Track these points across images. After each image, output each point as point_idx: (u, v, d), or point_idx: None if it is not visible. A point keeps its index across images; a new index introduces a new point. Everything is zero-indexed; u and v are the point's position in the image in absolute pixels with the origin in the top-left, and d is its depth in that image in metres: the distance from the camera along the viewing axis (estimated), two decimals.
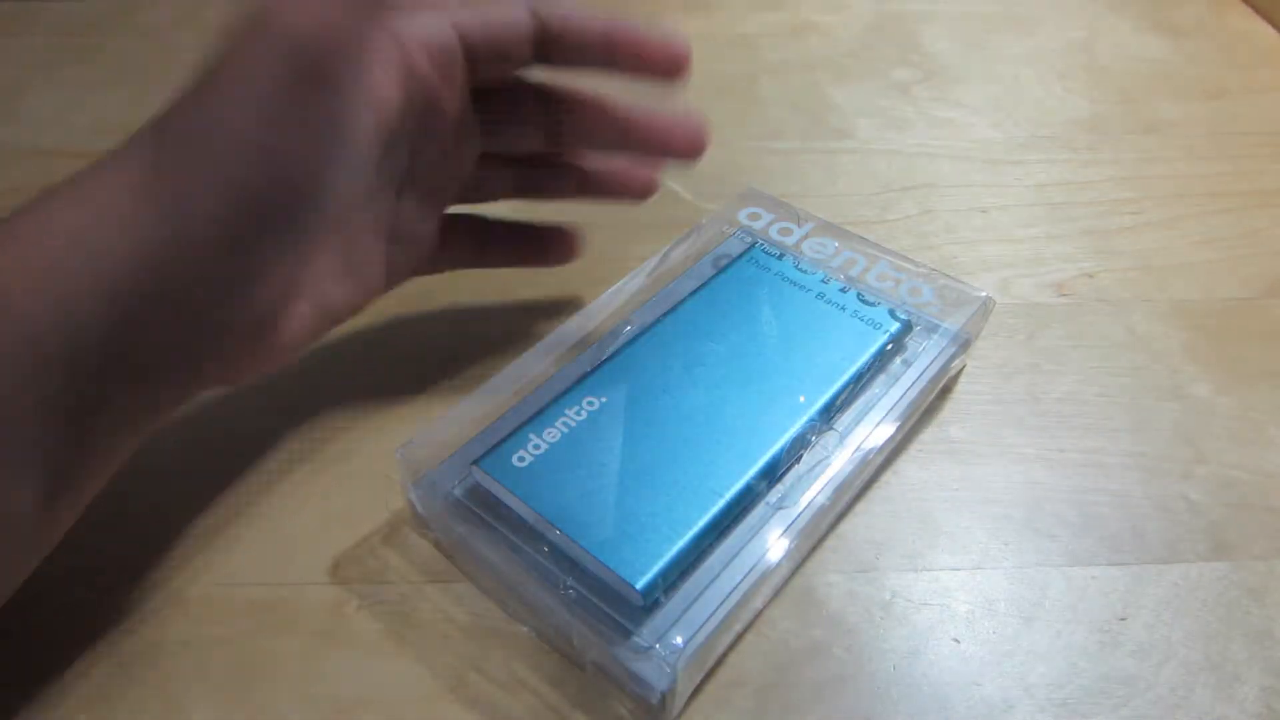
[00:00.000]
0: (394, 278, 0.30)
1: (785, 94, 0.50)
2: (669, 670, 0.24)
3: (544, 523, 0.26)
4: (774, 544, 0.27)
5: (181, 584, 0.28)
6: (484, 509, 0.28)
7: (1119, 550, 0.30)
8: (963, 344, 0.33)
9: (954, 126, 0.48)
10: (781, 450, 0.29)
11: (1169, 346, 0.36)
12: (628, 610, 0.25)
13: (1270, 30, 0.57)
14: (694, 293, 0.34)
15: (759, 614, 0.28)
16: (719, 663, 0.27)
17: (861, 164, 0.46)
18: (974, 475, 0.32)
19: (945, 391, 0.34)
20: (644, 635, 0.25)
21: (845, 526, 0.30)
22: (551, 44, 0.28)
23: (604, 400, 0.30)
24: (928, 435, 0.33)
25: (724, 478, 0.27)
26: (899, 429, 0.31)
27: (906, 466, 0.32)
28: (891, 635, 0.27)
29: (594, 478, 0.27)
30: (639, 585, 0.25)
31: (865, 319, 0.33)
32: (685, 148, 0.30)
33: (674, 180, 0.43)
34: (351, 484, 0.31)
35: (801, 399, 0.30)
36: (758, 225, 0.37)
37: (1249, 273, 0.40)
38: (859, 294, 0.34)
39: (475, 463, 0.28)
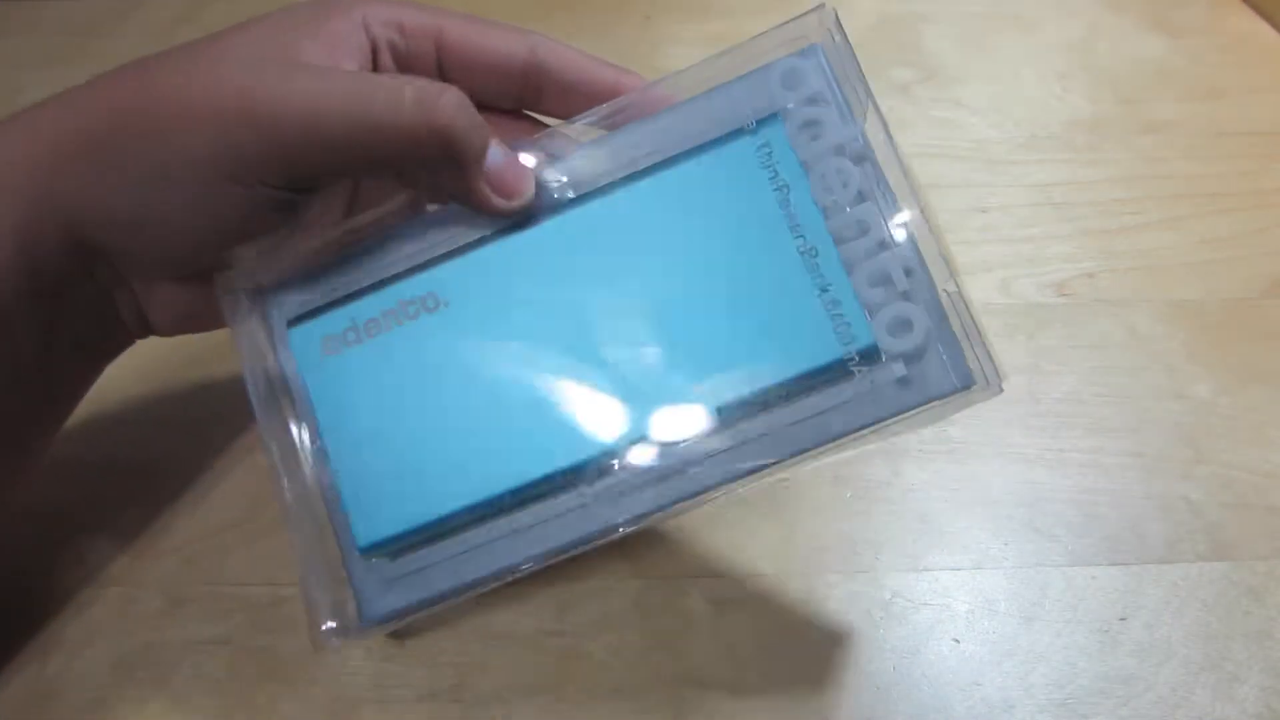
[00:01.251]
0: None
1: None
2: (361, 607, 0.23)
3: (313, 419, 0.24)
4: (553, 541, 0.23)
5: (181, 584, 0.28)
6: (289, 370, 0.24)
7: (1119, 550, 0.30)
8: (928, 407, 0.23)
9: (954, 126, 0.48)
10: (618, 444, 0.23)
11: (1169, 346, 0.36)
12: (352, 548, 0.23)
13: (1270, 30, 0.57)
14: (655, 169, 0.24)
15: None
16: (719, 663, 0.27)
17: None
18: (974, 475, 0.32)
19: None
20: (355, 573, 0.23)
21: (845, 526, 0.30)
22: (540, 86, 0.26)
23: (454, 296, 0.24)
24: (928, 435, 0.33)
25: (534, 454, 0.23)
26: (772, 466, 0.23)
27: (906, 466, 0.32)
28: (891, 635, 0.27)
29: (394, 401, 0.24)
30: (362, 542, 0.23)
31: (838, 320, 0.22)
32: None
33: None
34: None
35: (680, 393, 0.23)
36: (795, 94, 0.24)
37: (1249, 273, 0.40)
38: (854, 285, 0.23)
39: (290, 325, 0.24)
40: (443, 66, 0.26)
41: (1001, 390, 0.22)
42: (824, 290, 0.23)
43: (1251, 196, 0.44)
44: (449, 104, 0.22)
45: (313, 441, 0.24)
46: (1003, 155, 0.46)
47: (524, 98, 0.27)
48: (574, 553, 0.23)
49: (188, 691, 0.26)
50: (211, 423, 0.32)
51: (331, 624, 0.23)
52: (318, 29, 0.24)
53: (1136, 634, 0.27)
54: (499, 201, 0.23)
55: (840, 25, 0.24)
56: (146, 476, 0.30)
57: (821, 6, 0.24)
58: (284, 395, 0.24)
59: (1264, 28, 0.57)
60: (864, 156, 0.23)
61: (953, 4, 0.59)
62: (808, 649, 0.27)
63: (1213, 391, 0.35)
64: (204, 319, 0.26)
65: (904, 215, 0.23)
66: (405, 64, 0.26)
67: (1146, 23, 0.57)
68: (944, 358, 0.22)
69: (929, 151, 0.47)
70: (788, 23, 0.25)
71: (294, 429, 0.24)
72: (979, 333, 0.22)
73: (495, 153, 0.23)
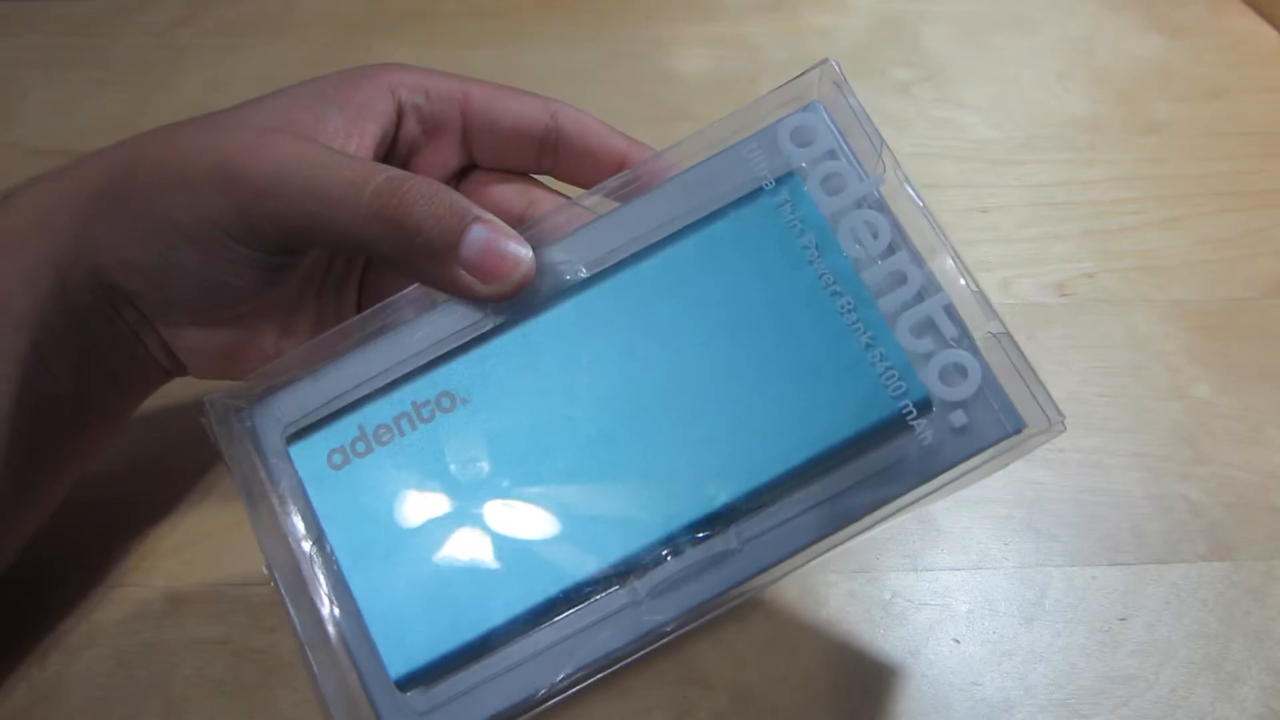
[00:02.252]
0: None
1: None
2: None
3: (325, 538, 0.22)
4: (601, 649, 0.21)
5: (181, 584, 0.28)
6: (292, 490, 0.23)
7: (1119, 550, 0.30)
8: (991, 453, 0.22)
9: (954, 126, 0.48)
10: (648, 547, 0.21)
11: (1169, 346, 0.36)
12: (381, 682, 0.21)
13: (1270, 30, 0.57)
14: (674, 238, 0.23)
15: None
16: (720, 663, 0.27)
17: None
18: None
19: None
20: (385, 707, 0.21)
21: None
22: (559, 152, 0.27)
23: (467, 397, 0.22)
24: None
25: (567, 563, 0.21)
26: (815, 552, 0.22)
27: None
28: (891, 635, 0.27)
29: (415, 513, 0.22)
30: (395, 675, 0.21)
31: (888, 374, 0.21)
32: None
33: None
34: None
35: (712, 479, 0.21)
36: (804, 151, 0.23)
37: (1249, 273, 0.40)
38: (898, 337, 0.21)
39: (290, 441, 0.22)
40: (466, 130, 0.27)
41: (1064, 428, 0.21)
42: (869, 346, 0.22)
43: (1251, 196, 0.44)
44: (411, 192, 0.22)
45: (327, 567, 0.22)
46: (1003, 155, 0.46)
47: (541, 162, 0.27)
48: (626, 658, 0.22)
49: (188, 691, 0.26)
50: None
51: None
52: (347, 97, 0.25)
53: (1136, 634, 0.27)
54: (482, 288, 0.22)
55: (844, 77, 0.23)
56: (147, 477, 0.30)
57: (825, 62, 0.24)
58: (288, 517, 0.22)
59: (1264, 28, 0.57)
60: (884, 207, 0.22)
61: (953, 4, 0.59)
62: (808, 649, 0.27)
63: (1213, 391, 0.35)
64: (237, 365, 0.26)
65: (938, 261, 0.22)
66: (431, 127, 0.27)
67: (1146, 22, 0.57)
68: (1000, 401, 0.21)
69: (929, 151, 0.47)
70: (791, 81, 0.24)
71: (304, 554, 0.22)
72: (1033, 372, 0.21)
73: (475, 238, 0.22)
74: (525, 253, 0.22)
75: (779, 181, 0.23)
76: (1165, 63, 0.54)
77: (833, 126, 0.23)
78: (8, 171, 0.44)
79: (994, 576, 0.29)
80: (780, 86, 0.24)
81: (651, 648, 0.22)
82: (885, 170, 0.23)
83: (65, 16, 0.55)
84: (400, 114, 0.26)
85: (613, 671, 0.22)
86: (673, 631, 0.22)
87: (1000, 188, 0.44)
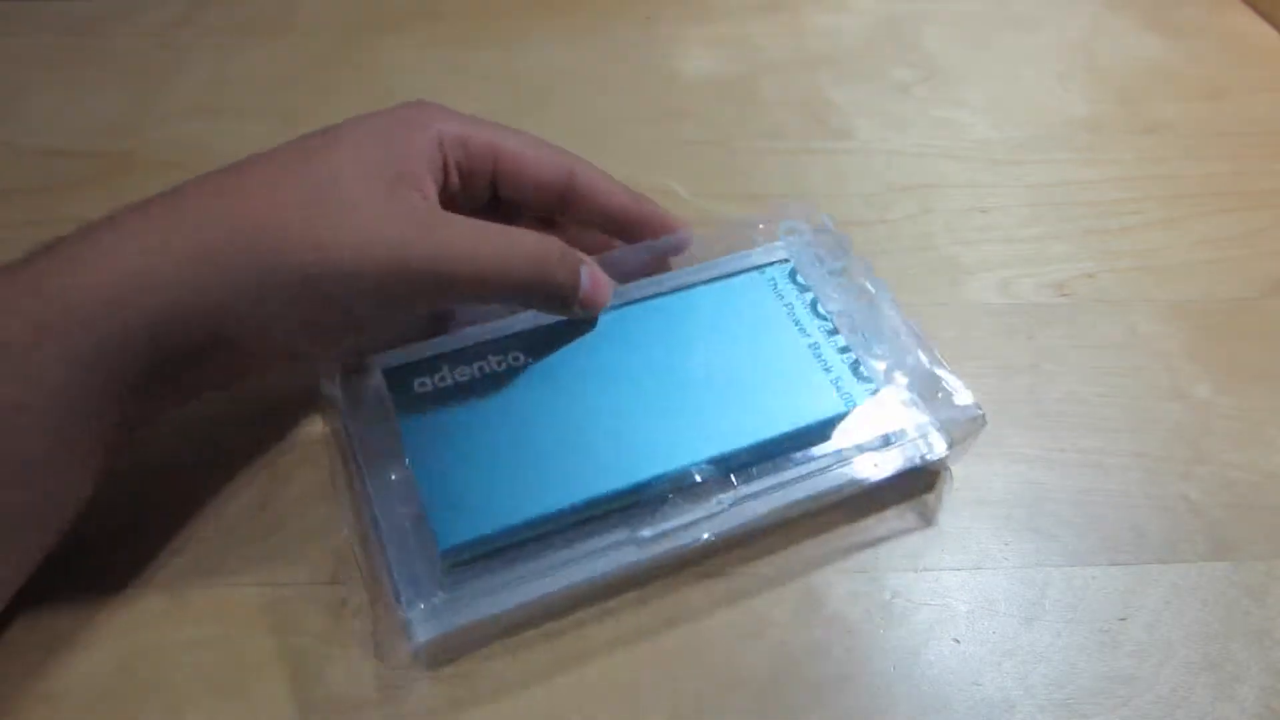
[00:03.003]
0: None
1: (785, 94, 0.50)
2: (410, 629, 0.25)
3: (401, 450, 0.27)
4: (606, 567, 0.26)
5: (181, 584, 0.28)
6: (375, 411, 0.29)
7: (1119, 550, 0.30)
8: (938, 450, 0.29)
9: (954, 126, 0.48)
10: (650, 481, 0.27)
11: (1169, 346, 0.36)
12: (428, 563, 0.26)
13: (1270, 30, 0.57)
14: (689, 286, 0.33)
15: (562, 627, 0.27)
16: (719, 662, 0.27)
17: (861, 164, 0.46)
18: (974, 475, 0.32)
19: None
20: (421, 589, 0.25)
21: (845, 527, 0.30)
22: (572, 203, 0.31)
23: (529, 360, 0.30)
24: None
25: (585, 482, 0.27)
26: (795, 508, 0.28)
27: None
28: (891, 635, 0.27)
29: (475, 430, 0.28)
30: (442, 546, 0.26)
31: (841, 387, 0.30)
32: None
33: (674, 180, 0.43)
34: None
35: (710, 437, 0.28)
36: (799, 240, 0.34)
37: (1249, 273, 0.40)
38: (856, 361, 0.31)
39: (383, 369, 0.29)
40: (496, 181, 0.30)
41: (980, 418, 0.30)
42: (827, 369, 0.31)
43: (1251, 196, 0.44)
44: (551, 258, 0.28)
45: (398, 472, 0.27)
46: (1003, 155, 0.46)
47: (560, 208, 0.32)
48: (612, 582, 0.27)
49: (188, 691, 0.26)
50: (213, 423, 0.32)
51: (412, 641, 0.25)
52: (407, 148, 0.27)
53: (1136, 634, 0.27)
54: (581, 311, 0.30)
55: (825, 222, 0.35)
56: (147, 477, 0.30)
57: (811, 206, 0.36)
58: (376, 433, 0.28)
59: (1264, 28, 0.57)
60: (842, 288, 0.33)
61: (953, 4, 0.59)
62: (808, 649, 0.27)
63: (1213, 391, 0.35)
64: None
65: (893, 321, 0.32)
66: (466, 175, 0.30)
67: (1146, 23, 0.57)
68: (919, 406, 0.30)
69: (929, 151, 0.47)
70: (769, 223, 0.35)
71: (387, 460, 0.28)
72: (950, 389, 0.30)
73: (585, 279, 0.29)
74: (612, 284, 0.30)
75: (777, 264, 0.34)
76: (1165, 63, 0.54)
77: (800, 280, 0.34)
78: (8, 171, 0.44)
79: (994, 576, 0.29)
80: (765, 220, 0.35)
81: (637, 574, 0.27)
82: (849, 262, 0.34)
83: (65, 16, 0.55)
84: (445, 167, 0.29)
85: (594, 597, 0.27)
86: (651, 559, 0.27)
87: (1000, 188, 0.44)
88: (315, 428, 0.33)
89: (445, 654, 0.26)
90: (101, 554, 0.29)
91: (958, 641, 0.27)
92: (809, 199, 0.43)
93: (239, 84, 0.49)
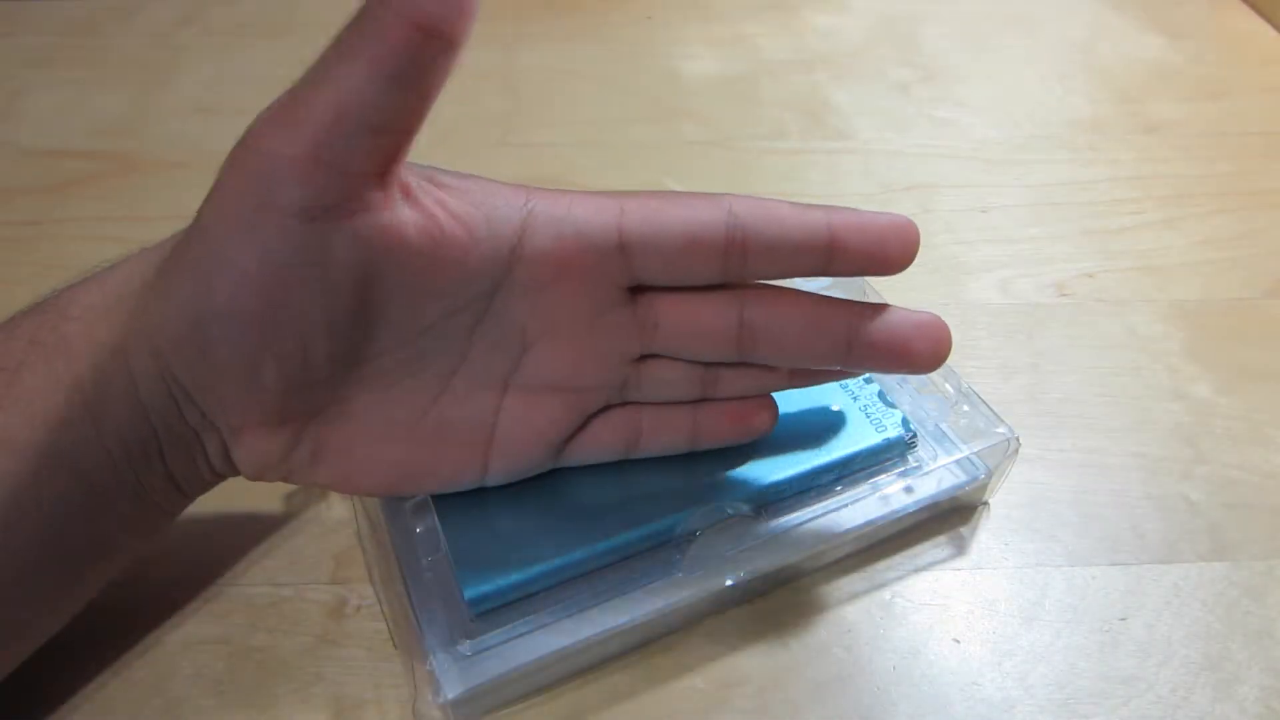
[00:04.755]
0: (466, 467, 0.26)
1: (785, 94, 0.50)
2: (440, 683, 0.24)
3: (429, 504, 0.27)
4: (637, 610, 0.25)
5: (182, 584, 0.28)
6: None
7: (1119, 550, 0.30)
8: (974, 477, 0.29)
9: (954, 126, 0.48)
10: (677, 520, 0.26)
11: (1169, 346, 0.36)
12: (456, 613, 0.25)
13: (1270, 30, 0.57)
14: None
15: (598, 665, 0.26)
16: (719, 662, 0.27)
17: (861, 164, 0.46)
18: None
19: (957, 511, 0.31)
20: (456, 639, 0.24)
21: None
22: (749, 250, 0.23)
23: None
24: None
25: (609, 528, 0.26)
26: (846, 536, 0.28)
27: None
28: (891, 635, 0.27)
29: (497, 498, 0.27)
30: (468, 593, 0.25)
31: (872, 417, 0.29)
32: (925, 363, 0.24)
33: (673, 180, 0.43)
34: None
35: (743, 474, 0.27)
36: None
37: (1249, 273, 0.40)
38: (881, 391, 0.30)
39: None
40: (626, 244, 0.23)
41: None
42: (854, 398, 0.30)
43: (1251, 196, 0.44)
44: None
45: (424, 524, 0.27)
46: (1003, 155, 0.46)
47: (728, 267, 0.23)
48: (652, 627, 0.26)
49: (188, 691, 0.26)
50: None
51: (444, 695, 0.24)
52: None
53: (1136, 634, 0.27)
54: None
55: None
56: None
57: None
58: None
59: (1264, 28, 0.57)
60: None
61: (953, 4, 0.59)
62: (808, 649, 0.27)
63: (1213, 391, 0.35)
64: (290, 472, 0.24)
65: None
66: (575, 241, 0.23)
67: (1146, 23, 0.57)
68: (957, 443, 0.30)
69: (929, 151, 0.47)
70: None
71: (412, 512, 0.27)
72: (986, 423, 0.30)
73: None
74: None
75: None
76: (1165, 63, 0.54)
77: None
78: (8, 171, 0.44)
79: (994, 576, 0.29)
80: None
81: (675, 619, 0.26)
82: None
83: (65, 16, 0.55)
84: (526, 225, 0.23)
85: (627, 647, 0.26)
86: (690, 604, 0.26)
87: (1000, 188, 0.44)
88: None
89: (476, 709, 0.25)
90: None
91: (958, 641, 0.27)
92: (808, 199, 0.43)
93: (239, 84, 0.49)
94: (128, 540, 0.25)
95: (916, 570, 0.29)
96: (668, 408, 0.26)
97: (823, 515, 0.27)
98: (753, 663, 0.27)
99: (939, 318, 0.24)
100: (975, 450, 0.29)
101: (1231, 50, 0.55)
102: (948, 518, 0.30)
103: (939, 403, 0.30)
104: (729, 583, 0.26)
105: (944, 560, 0.29)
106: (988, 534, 0.30)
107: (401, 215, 0.22)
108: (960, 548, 0.30)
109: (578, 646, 0.25)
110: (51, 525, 0.22)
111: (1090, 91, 0.51)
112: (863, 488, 0.28)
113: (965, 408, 0.30)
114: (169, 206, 0.42)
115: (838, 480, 0.28)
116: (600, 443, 0.26)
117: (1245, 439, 0.33)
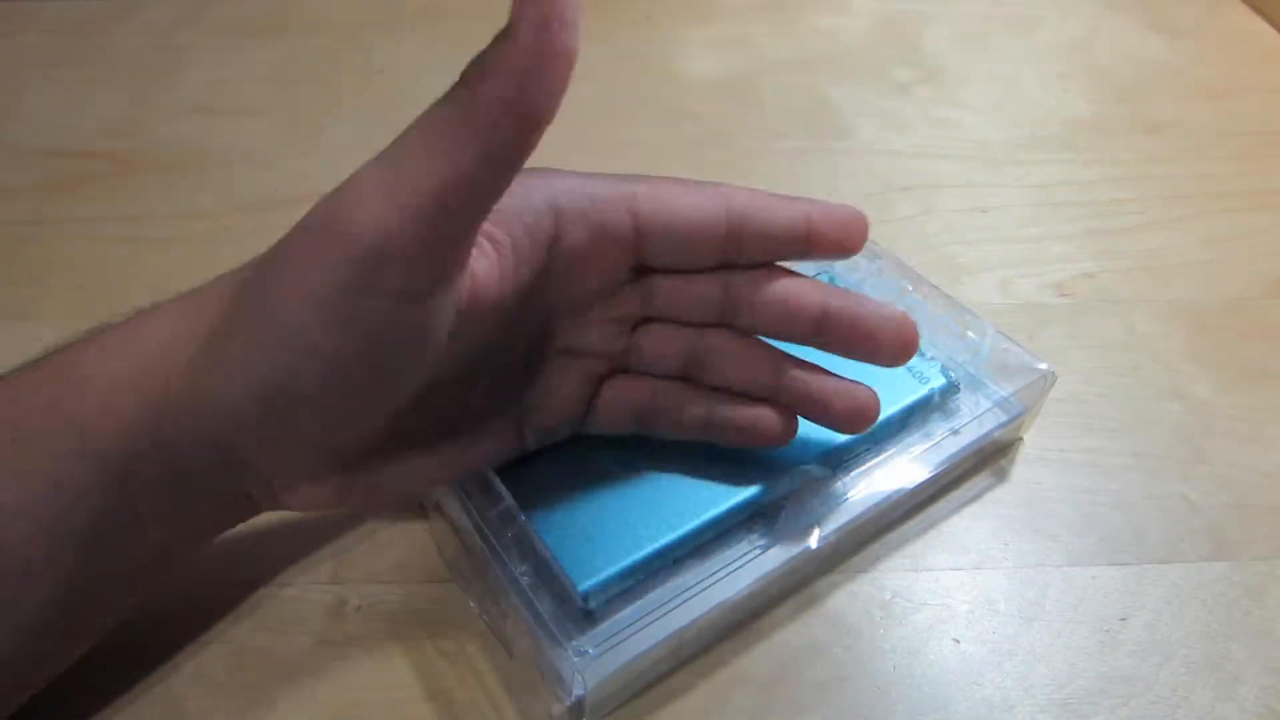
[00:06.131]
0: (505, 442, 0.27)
1: (785, 94, 0.50)
2: (580, 676, 0.23)
3: (515, 509, 0.27)
4: (740, 582, 0.26)
5: (182, 584, 0.28)
6: (474, 487, 0.28)
7: (1119, 550, 0.30)
8: (1014, 415, 0.31)
9: (954, 126, 0.48)
10: (763, 490, 0.27)
11: (1169, 346, 0.36)
12: (570, 610, 0.25)
13: (1270, 30, 0.57)
14: None
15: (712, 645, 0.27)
16: (721, 664, 0.27)
17: (862, 164, 0.46)
18: (974, 475, 0.32)
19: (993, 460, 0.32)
20: (575, 637, 0.25)
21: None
22: (746, 239, 0.25)
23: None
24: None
25: (699, 505, 0.27)
26: (914, 489, 0.29)
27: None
28: (891, 635, 0.27)
29: (578, 480, 0.28)
30: (582, 587, 0.25)
31: (913, 370, 0.30)
32: (890, 353, 0.26)
33: None
34: None
35: (809, 438, 0.28)
36: None
37: (1249, 273, 0.40)
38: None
39: None
40: (640, 233, 0.25)
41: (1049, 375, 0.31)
42: (917, 375, 0.31)
43: (1251, 196, 0.44)
44: None
45: (524, 536, 0.27)
46: (1003, 155, 0.46)
47: (725, 253, 0.26)
48: (754, 599, 0.27)
49: (188, 691, 0.26)
50: None
51: (577, 692, 0.24)
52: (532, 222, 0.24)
53: (1136, 634, 0.27)
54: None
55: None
56: None
57: None
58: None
59: (1264, 28, 0.57)
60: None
61: (953, 4, 0.59)
62: (808, 649, 0.27)
63: (1213, 391, 0.35)
64: (339, 502, 0.25)
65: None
66: (600, 233, 0.25)
67: (1146, 23, 0.57)
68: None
69: (929, 151, 0.47)
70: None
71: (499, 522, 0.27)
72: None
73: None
74: None
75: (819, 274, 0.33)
76: (1165, 63, 0.54)
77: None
78: (8, 171, 0.44)
79: (994, 576, 0.29)
80: None
81: (776, 587, 0.27)
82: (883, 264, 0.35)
83: (65, 16, 0.55)
84: (559, 224, 0.25)
85: (730, 626, 0.27)
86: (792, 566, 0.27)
87: (1000, 188, 0.44)
88: None
89: (605, 706, 0.25)
90: None
91: (958, 641, 0.27)
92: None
93: (239, 84, 0.49)
94: (142, 588, 0.25)
95: (916, 570, 0.29)
96: (679, 386, 0.28)
97: (889, 469, 0.29)
98: (753, 662, 0.27)
99: (909, 316, 0.26)
100: (1014, 391, 0.31)
101: (1232, 50, 0.55)
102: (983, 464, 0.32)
103: (968, 346, 0.32)
104: (815, 546, 0.27)
105: (944, 560, 0.29)
106: (987, 534, 0.30)
107: (474, 266, 0.23)
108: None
109: (691, 629, 0.25)
110: (72, 589, 0.22)
111: (1090, 91, 0.51)
112: (916, 437, 0.30)
113: (1004, 346, 0.32)
114: (169, 206, 0.42)
115: (896, 434, 0.30)
116: (612, 411, 0.28)
117: (1245, 439, 0.33)
